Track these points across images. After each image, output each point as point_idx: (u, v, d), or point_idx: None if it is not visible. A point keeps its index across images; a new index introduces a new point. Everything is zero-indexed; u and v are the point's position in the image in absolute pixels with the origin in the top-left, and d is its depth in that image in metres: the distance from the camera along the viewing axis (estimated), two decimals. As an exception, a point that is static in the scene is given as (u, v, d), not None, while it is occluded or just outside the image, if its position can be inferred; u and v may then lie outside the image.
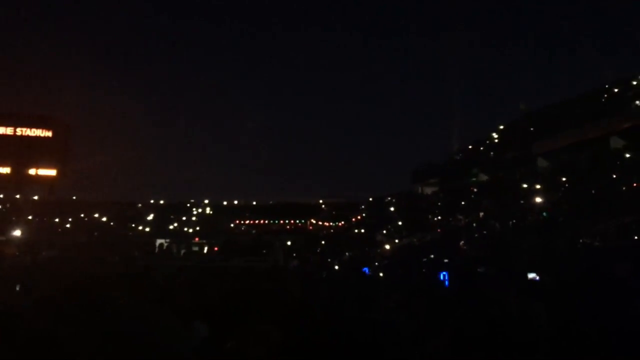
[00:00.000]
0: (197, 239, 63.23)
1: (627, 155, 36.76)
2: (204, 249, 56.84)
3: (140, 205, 73.66)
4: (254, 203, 78.31)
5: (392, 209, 60.89)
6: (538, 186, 39.96)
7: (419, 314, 8.68)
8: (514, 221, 33.40)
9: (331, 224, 70.82)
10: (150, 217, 70.80)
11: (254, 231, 71.63)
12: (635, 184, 29.12)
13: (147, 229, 65.87)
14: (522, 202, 38.09)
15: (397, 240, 44.88)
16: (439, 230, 42.91)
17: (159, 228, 64.09)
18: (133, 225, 67.26)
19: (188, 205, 76.48)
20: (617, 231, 23.05)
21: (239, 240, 66.44)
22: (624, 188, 29.94)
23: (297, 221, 75.21)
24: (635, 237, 21.21)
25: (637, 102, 42.18)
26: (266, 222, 74.78)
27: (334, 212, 73.91)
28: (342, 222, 67.83)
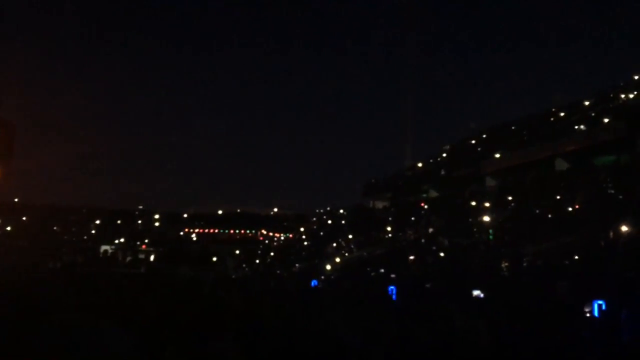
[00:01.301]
0: (144, 246, 62.06)
1: (571, 178, 38.00)
2: (150, 257, 55.53)
3: (85, 210, 71.60)
4: (204, 212, 77.26)
5: (343, 222, 61.10)
6: (486, 204, 40.88)
7: (366, 327, 8.67)
8: (462, 238, 33.95)
9: (282, 234, 70.59)
10: (96, 222, 68.94)
11: (202, 240, 70.79)
12: (577, 206, 30.07)
13: (92, 235, 64.12)
14: (470, 219, 38.83)
15: (346, 254, 44.99)
16: (389, 244, 43.24)
17: (104, 234, 62.50)
18: (77, 230, 65.37)
19: (136, 212, 74.85)
20: (559, 251, 23.69)
21: (188, 248, 65.51)
22: (569, 209, 30.89)
23: (248, 231, 74.72)
24: (576, 257, 21.87)
25: (582, 126, 43.72)
26: (216, 231, 74.01)
27: (285, 223, 73.71)
28: (293, 234, 67.68)
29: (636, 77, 48.42)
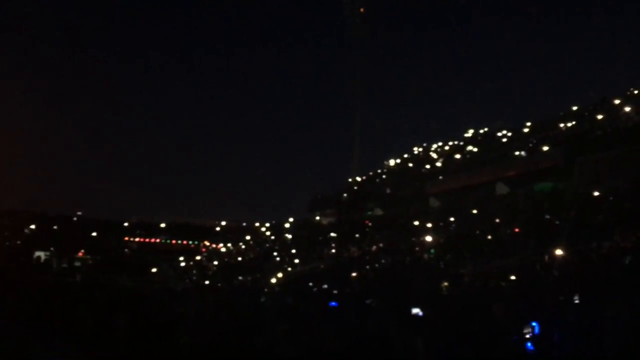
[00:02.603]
0: (81, 253, 60.04)
1: (510, 202, 39.27)
2: (87, 264, 53.77)
3: (20, 214, 68.74)
4: (147, 221, 75.45)
5: (287, 236, 61.00)
6: (429, 224, 41.71)
7: (306, 343, 8.65)
8: (404, 257, 34.46)
9: (226, 247, 69.75)
10: (31, 227, 66.29)
11: (142, 250, 69.18)
12: (516, 229, 31.04)
13: (26, 240, 61.56)
14: (413, 239, 39.50)
15: (290, 268, 44.88)
16: (332, 260, 43.38)
17: (39, 240, 60.10)
18: (10, 235, 62.70)
19: (74, 218, 72.44)
20: (497, 272, 24.30)
21: (127, 258, 63.82)
22: (507, 232, 31.84)
23: (191, 242, 73.49)
24: (513, 278, 22.49)
25: (522, 152, 45.38)
26: (158, 241, 72.45)
27: (229, 235, 72.87)
28: (237, 246, 66.98)
29: (574, 108, 50.59)
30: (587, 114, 46.39)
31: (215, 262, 60.41)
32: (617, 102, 44.68)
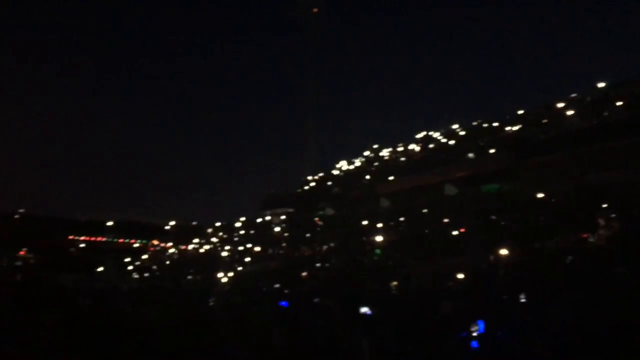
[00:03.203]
0: (23, 252, 57.87)
1: (458, 202, 39.98)
2: (28, 264, 51.82)
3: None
4: (94, 219, 73.29)
5: (239, 235, 60.49)
6: (379, 224, 42.10)
7: (256, 342, 8.54)
8: (355, 256, 34.64)
9: (175, 246, 68.59)
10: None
11: (89, 248, 67.39)
12: (462, 229, 31.61)
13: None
14: (363, 238, 39.77)
15: (241, 267, 44.49)
16: (283, 259, 43.22)
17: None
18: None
19: (16, 216, 69.69)
20: (445, 271, 24.66)
21: (72, 256, 61.89)
22: (455, 232, 32.39)
23: (140, 241, 72.02)
24: (460, 277, 22.90)
25: (471, 154, 46.30)
26: (105, 239, 70.65)
27: (179, 234, 71.69)
28: (187, 245, 65.95)
29: (520, 112, 51.93)
30: (532, 118, 47.67)
31: (165, 262, 59.37)
32: (560, 106, 46.20)
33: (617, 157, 31.56)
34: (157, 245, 70.34)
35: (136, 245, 71.24)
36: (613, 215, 24.49)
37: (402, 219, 41.23)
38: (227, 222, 67.32)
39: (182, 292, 31.62)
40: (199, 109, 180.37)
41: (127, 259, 61.08)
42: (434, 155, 52.54)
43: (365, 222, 44.50)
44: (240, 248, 53.25)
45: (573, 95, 48.41)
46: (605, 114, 36.93)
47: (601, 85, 46.40)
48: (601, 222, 23.57)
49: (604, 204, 26.59)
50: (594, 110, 40.17)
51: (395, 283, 24.36)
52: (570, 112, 43.03)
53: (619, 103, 37.65)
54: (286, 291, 24.74)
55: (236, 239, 59.27)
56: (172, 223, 73.62)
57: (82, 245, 68.99)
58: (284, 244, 50.23)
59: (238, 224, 64.16)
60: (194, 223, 74.26)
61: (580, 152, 33.79)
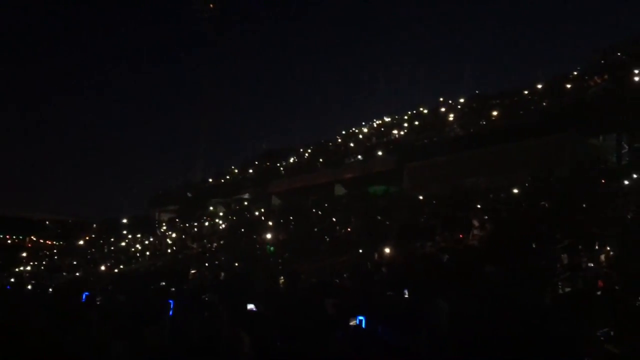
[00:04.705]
0: None
1: (346, 203, 41.24)
2: None
3: None
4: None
5: (125, 231, 58.53)
6: (270, 223, 42.45)
7: (137, 342, 8.48)
8: (244, 254, 34.72)
9: (55, 242, 65.04)
10: None
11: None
12: (349, 229, 32.66)
13: None
14: (254, 236, 39.96)
15: (125, 265, 43.12)
16: (171, 257, 42.43)
17: None
18: None
19: None
20: (332, 269, 25.36)
21: None
22: (342, 231, 33.38)
23: (15, 237, 67.48)
24: (345, 275, 23.65)
25: (360, 156, 47.88)
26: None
27: (59, 230, 68.01)
28: (69, 242, 62.78)
29: (405, 117, 54.32)
30: (416, 122, 50.03)
31: (44, 259, 56.16)
32: (443, 110, 49.02)
33: (490, 163, 34.02)
34: (36, 241, 66.27)
35: (12, 241, 66.67)
36: (486, 217, 26.20)
37: (291, 217, 41.83)
38: (113, 218, 64.82)
39: (57, 290, 30.03)
40: (87, 103, 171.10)
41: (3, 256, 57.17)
42: (325, 156, 53.77)
43: (255, 220, 44.73)
44: (127, 244, 51.62)
45: (454, 101, 51.19)
46: (482, 122, 39.63)
47: (480, 93, 49.85)
48: (475, 223, 25.15)
49: (478, 206, 28.51)
50: (472, 117, 42.96)
51: (282, 280, 24.74)
52: (450, 117, 45.74)
53: (494, 112, 40.56)
54: (173, 289, 24.35)
55: (122, 235, 57.29)
56: (52, 217, 69.66)
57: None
58: (171, 242, 49.27)
59: (125, 220, 61.98)
60: (76, 219, 70.70)
61: (458, 157, 36.02)
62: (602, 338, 9.10)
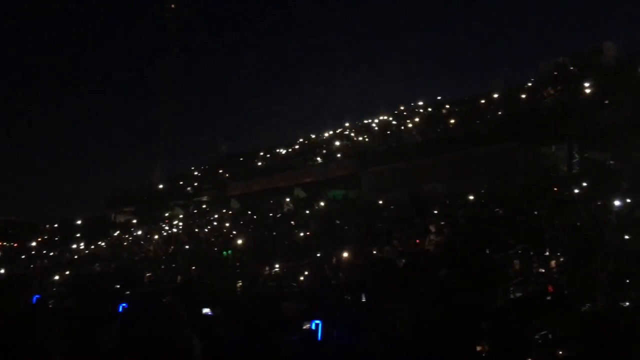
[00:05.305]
0: None
1: (305, 206, 41.39)
2: None
3: None
4: None
5: (79, 234, 57.20)
6: (227, 224, 42.30)
7: (85, 345, 8.35)
8: (202, 257, 34.46)
9: (6, 243, 62.94)
10: None
11: None
12: (308, 233, 32.77)
13: None
14: (213, 239, 39.70)
15: (75, 267, 42.11)
16: (127, 259, 41.70)
17: None
18: None
19: None
20: (291, 273, 25.43)
21: None
22: (301, 234, 33.48)
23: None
24: (302, 278, 23.74)
25: (320, 159, 48.11)
26: None
27: (10, 231, 65.90)
28: (19, 243, 60.84)
29: (365, 122, 54.81)
30: (376, 128, 50.56)
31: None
32: (403, 116, 49.70)
33: (447, 169, 34.69)
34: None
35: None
36: (442, 223, 26.66)
37: (250, 220, 41.75)
38: (66, 219, 63.18)
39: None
40: (39, 101, 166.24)
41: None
42: (286, 160, 53.83)
43: (214, 223, 44.44)
44: (81, 246, 50.49)
45: (416, 108, 51.96)
46: (438, 130, 40.34)
47: (439, 100, 50.74)
48: (432, 228, 25.57)
49: (435, 211, 29.01)
50: (430, 124, 43.71)
51: (240, 284, 24.65)
52: (410, 125, 46.45)
53: (452, 120, 41.31)
54: (127, 292, 23.95)
55: (76, 237, 55.94)
56: (3, 218, 67.34)
57: None
58: (126, 244, 48.46)
59: (79, 222, 60.49)
60: (26, 219, 68.58)
61: (417, 163, 36.59)
62: (540, 341, 9.41)
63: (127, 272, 33.97)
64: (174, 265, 34.59)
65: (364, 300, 17.87)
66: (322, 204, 40.01)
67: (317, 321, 13.05)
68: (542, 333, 9.69)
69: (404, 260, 23.39)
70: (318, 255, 27.38)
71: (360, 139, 49.95)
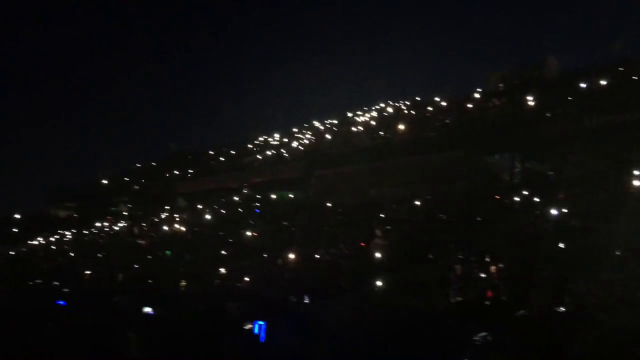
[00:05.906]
0: None
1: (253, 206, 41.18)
2: None
3: None
4: None
5: (16, 230, 55.05)
6: (177, 216, 41.77)
7: (20, 343, 8.12)
8: (144, 254, 33.88)
9: None
10: None
11: None
12: (254, 233, 32.57)
13: None
14: (154, 236, 39.11)
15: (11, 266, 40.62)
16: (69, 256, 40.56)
17: None
18: None
19: None
20: (236, 274, 25.23)
21: None
22: (247, 235, 33.23)
23: None
24: (248, 280, 23.66)
25: (269, 160, 47.94)
26: None
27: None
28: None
29: (315, 124, 54.70)
30: (326, 132, 50.58)
31: None
32: (353, 119, 49.96)
33: (394, 175, 35.10)
34: None
35: None
36: (388, 227, 27.03)
37: (200, 220, 41.21)
38: (4, 214, 60.60)
39: None
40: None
41: None
42: (233, 160, 53.38)
43: (159, 221, 43.75)
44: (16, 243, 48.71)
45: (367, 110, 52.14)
46: (388, 136, 40.63)
47: (388, 105, 51.19)
48: (378, 232, 25.90)
49: (381, 215, 29.38)
50: (379, 129, 44.04)
51: (184, 283, 24.40)
52: (354, 129, 46.76)
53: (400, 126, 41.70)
54: (65, 290, 23.35)
55: (12, 233, 53.86)
56: None
57: None
58: (67, 241, 47.04)
59: (18, 216, 58.08)
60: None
61: (365, 167, 36.86)
62: (477, 343, 9.72)
63: (66, 269, 33.07)
64: (114, 263, 33.83)
65: (307, 301, 18.01)
66: (268, 205, 39.89)
67: (261, 322, 13.08)
68: (481, 335, 9.97)
69: (350, 263, 23.73)
70: (264, 255, 27.30)
71: (310, 142, 49.88)
